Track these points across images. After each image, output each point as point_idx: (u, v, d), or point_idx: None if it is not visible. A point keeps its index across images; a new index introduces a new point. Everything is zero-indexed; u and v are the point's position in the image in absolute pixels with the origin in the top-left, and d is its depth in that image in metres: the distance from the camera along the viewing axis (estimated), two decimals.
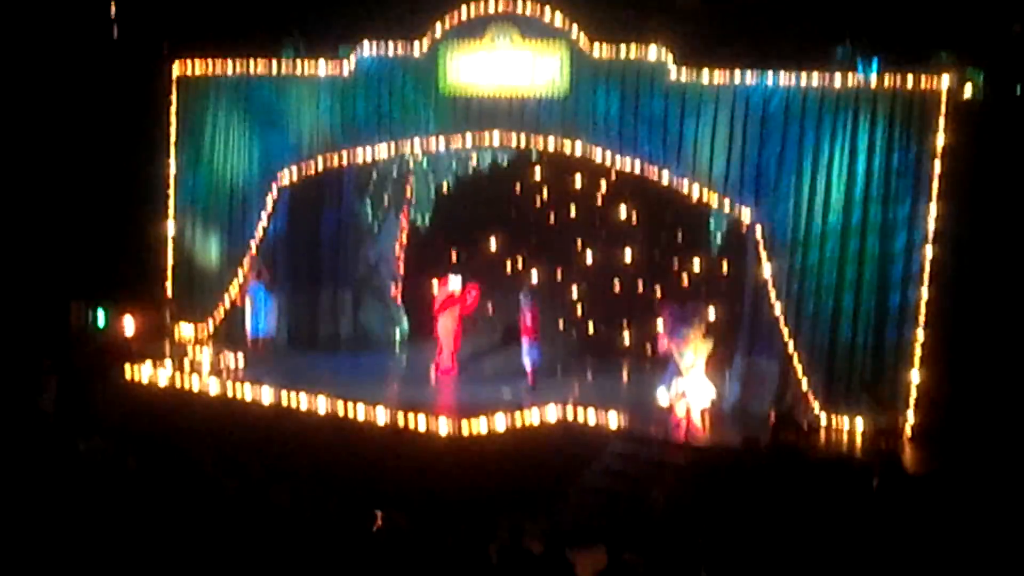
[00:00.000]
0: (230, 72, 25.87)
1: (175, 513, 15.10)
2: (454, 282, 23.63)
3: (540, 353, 23.04)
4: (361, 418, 20.48)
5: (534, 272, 26.32)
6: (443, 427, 19.64)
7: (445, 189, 26.77)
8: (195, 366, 23.64)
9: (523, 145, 23.61)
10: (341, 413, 20.60)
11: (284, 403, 21.18)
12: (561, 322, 25.78)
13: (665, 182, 22.01)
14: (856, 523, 17.14)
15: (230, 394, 21.95)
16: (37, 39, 27.03)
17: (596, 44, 22.14)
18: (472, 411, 20.69)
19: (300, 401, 21.07)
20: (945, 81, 19.65)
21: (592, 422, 20.68)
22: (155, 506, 15.33)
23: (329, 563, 14.06)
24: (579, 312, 26.27)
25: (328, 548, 14.29)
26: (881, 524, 17.06)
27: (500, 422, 20.19)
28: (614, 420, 20.54)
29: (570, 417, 20.85)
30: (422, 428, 19.83)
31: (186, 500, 15.55)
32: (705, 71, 21.30)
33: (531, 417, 20.63)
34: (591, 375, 24.47)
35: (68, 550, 14.41)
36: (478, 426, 19.87)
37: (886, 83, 20.02)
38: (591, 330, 26.27)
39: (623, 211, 25.56)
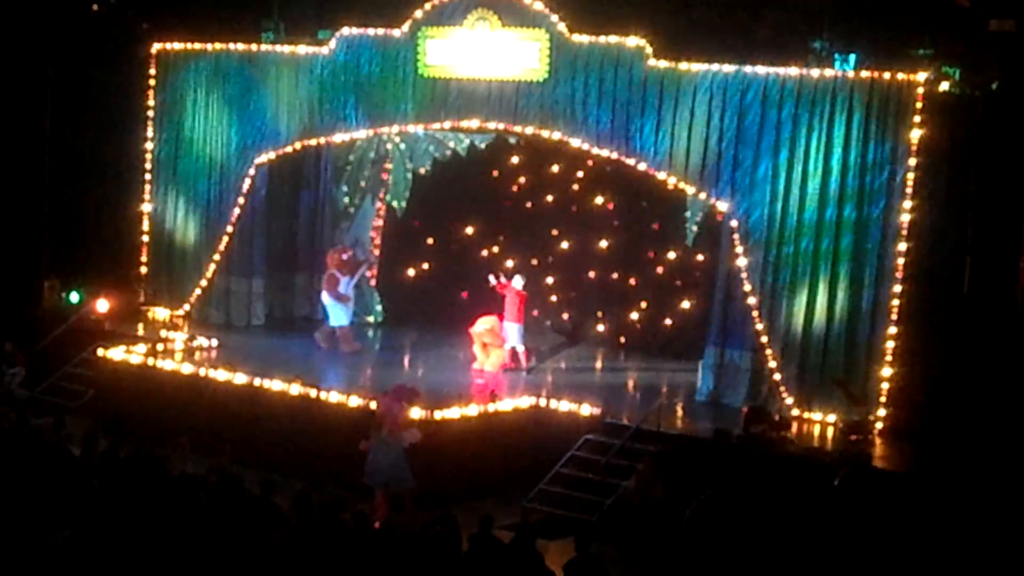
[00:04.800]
0: (209, 51, 25.76)
1: (144, 496, 15.09)
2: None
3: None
4: (333, 401, 20.38)
5: (509, 260, 26.32)
6: (415, 413, 19.58)
7: (422, 173, 26.73)
8: (168, 347, 23.55)
9: (501, 130, 23.62)
10: (313, 396, 20.54)
11: (257, 386, 21.09)
12: (536, 310, 25.77)
13: (642, 170, 21.99)
14: (824, 517, 17.25)
15: (203, 376, 21.84)
16: (15, 13, 26.83)
17: (576, 31, 22.12)
18: (445, 398, 20.71)
19: (272, 384, 20.98)
20: (922, 76, 19.68)
21: (568, 411, 20.65)
22: (123, 488, 15.31)
23: (299, 549, 14.07)
24: (554, 299, 26.29)
25: (299, 534, 14.30)
26: (849, 518, 17.18)
27: (472, 409, 20.17)
28: (587, 409, 20.52)
29: (543, 405, 20.82)
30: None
31: (156, 483, 15.54)
32: (684, 61, 21.29)
33: (504, 405, 20.61)
34: (565, 363, 24.48)
35: (35, 532, 14.40)
36: (450, 413, 19.84)
37: (863, 77, 20.05)
38: (565, 318, 26.30)
39: (600, 198, 25.58)
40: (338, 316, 24.51)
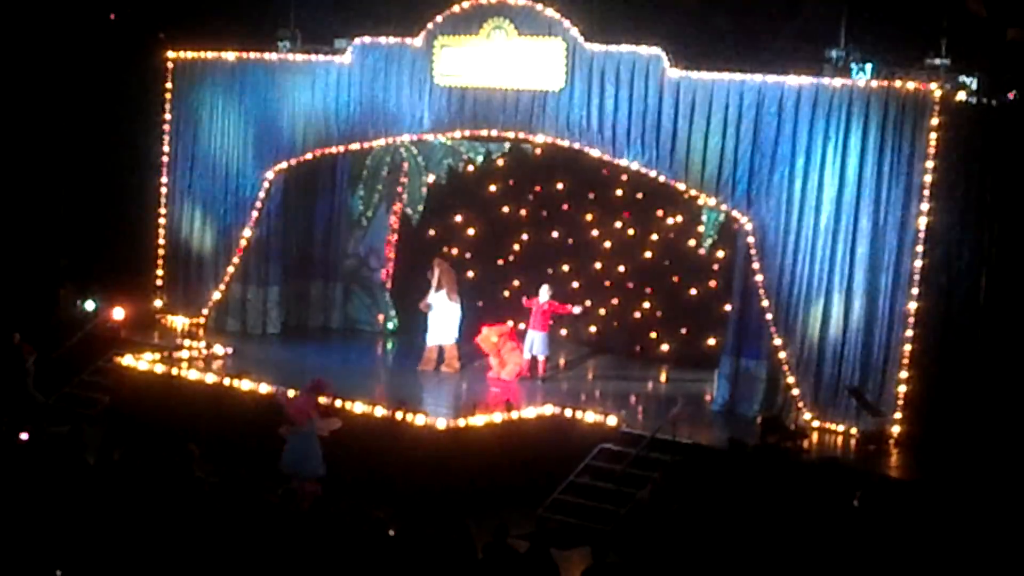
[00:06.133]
0: (225, 60, 25.83)
1: (158, 503, 15.09)
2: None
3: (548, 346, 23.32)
4: (348, 410, 20.37)
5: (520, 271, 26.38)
6: (433, 421, 19.59)
7: (438, 182, 26.75)
8: (184, 356, 23.55)
9: (517, 139, 23.64)
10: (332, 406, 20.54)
11: (272, 394, 21.10)
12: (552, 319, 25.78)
13: (659, 179, 21.98)
14: (840, 527, 17.18)
15: (219, 384, 21.85)
16: (33, 21, 26.95)
17: (592, 40, 22.13)
18: (461, 406, 20.72)
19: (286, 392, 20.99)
20: (938, 86, 19.65)
21: (583, 420, 20.63)
22: (138, 496, 15.31)
23: (316, 556, 14.07)
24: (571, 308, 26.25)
25: (314, 542, 14.29)
26: (864, 529, 17.11)
27: (487, 419, 20.15)
28: (603, 418, 20.48)
29: (559, 414, 20.79)
30: (411, 422, 19.75)
31: (170, 491, 15.54)
32: (700, 71, 21.28)
33: (520, 414, 20.59)
34: (580, 372, 24.45)
35: (48, 539, 14.42)
36: (469, 421, 19.83)
37: (879, 87, 20.02)
38: (581, 327, 26.28)
39: (615, 208, 25.57)
40: (431, 333, 23.94)
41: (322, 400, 19.64)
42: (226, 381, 21.75)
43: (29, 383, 23.46)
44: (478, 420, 19.98)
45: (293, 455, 18.82)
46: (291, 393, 19.79)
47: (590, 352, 25.79)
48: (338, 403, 20.18)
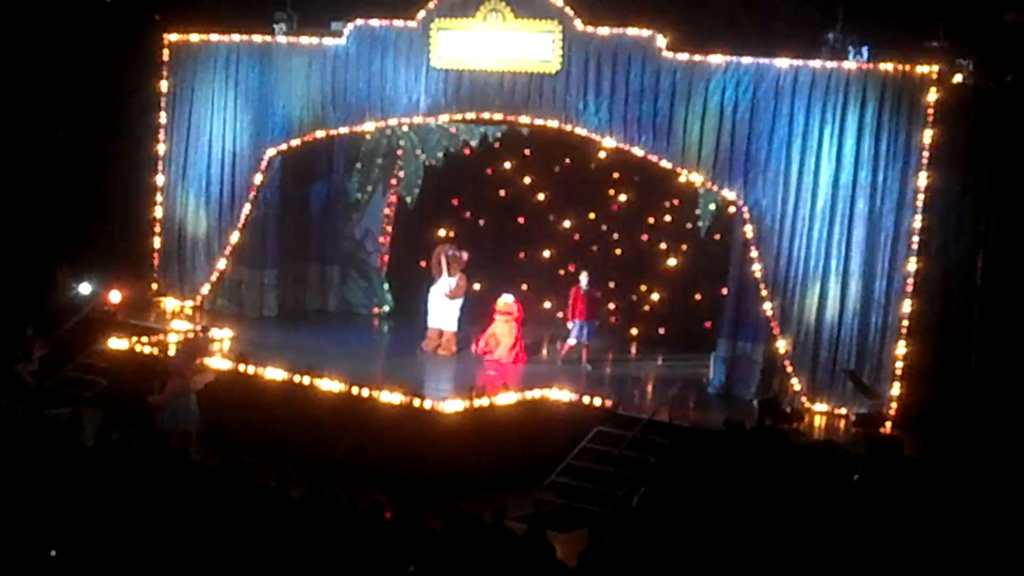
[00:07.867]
0: (222, 42, 25.79)
1: (154, 488, 15.11)
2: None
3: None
4: (338, 392, 20.37)
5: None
6: (430, 404, 19.61)
7: (434, 165, 26.73)
8: (180, 338, 23.54)
9: (514, 122, 23.61)
10: (326, 389, 20.54)
11: (268, 378, 21.11)
12: (549, 302, 25.81)
13: (655, 162, 21.98)
14: (838, 508, 17.24)
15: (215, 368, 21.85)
16: (28, 4, 26.87)
17: (588, 23, 22.11)
18: (457, 389, 20.74)
19: (281, 376, 21.00)
20: (935, 68, 19.64)
21: (580, 402, 20.65)
22: (136, 477, 15.34)
23: (312, 540, 14.09)
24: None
25: (310, 526, 14.32)
26: (863, 509, 17.17)
27: (485, 401, 20.16)
28: (599, 401, 20.50)
29: (556, 397, 20.81)
30: (407, 405, 19.78)
31: (166, 474, 15.56)
32: (697, 53, 21.27)
33: (517, 397, 20.60)
34: (578, 355, 24.44)
35: (45, 520, 14.46)
36: (463, 404, 19.84)
37: (876, 69, 20.01)
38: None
39: (612, 190, 25.58)
40: (432, 316, 24.15)
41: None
42: (222, 365, 21.75)
43: (21, 368, 23.41)
44: (476, 403, 19.98)
45: (170, 415, 19.48)
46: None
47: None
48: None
